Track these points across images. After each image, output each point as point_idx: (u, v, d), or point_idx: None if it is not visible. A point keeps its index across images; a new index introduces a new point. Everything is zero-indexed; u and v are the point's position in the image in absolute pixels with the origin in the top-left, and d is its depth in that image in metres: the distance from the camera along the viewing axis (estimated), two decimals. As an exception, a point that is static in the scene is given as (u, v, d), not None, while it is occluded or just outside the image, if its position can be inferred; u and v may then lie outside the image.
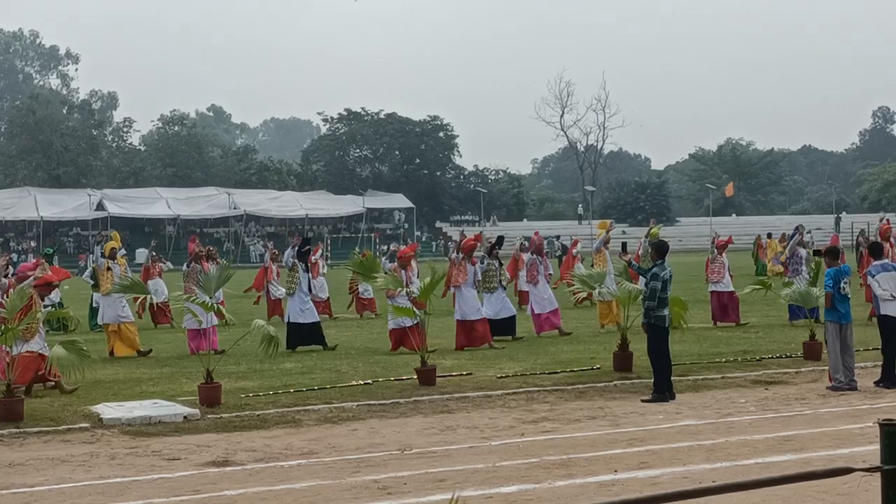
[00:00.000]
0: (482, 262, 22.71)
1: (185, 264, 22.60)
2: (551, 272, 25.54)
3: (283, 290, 30.05)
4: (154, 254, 31.20)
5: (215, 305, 17.13)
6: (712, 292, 25.41)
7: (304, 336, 22.04)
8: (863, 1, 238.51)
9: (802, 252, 25.49)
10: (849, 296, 15.92)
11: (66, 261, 62.38)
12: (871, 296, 16.61)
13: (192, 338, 20.77)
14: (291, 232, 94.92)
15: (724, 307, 25.07)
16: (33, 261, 26.59)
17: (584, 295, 22.30)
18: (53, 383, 16.32)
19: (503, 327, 22.54)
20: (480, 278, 22.22)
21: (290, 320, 22.27)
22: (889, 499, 4.40)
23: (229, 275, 17.94)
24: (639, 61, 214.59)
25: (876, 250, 16.95)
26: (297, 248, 22.79)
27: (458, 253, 22.50)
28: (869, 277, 16.14)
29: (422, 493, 9.68)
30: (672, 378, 15.25)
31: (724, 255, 26.09)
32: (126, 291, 19.20)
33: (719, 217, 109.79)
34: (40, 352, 15.96)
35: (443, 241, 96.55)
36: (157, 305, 27.66)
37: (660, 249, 15.93)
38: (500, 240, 23.84)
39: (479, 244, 23.30)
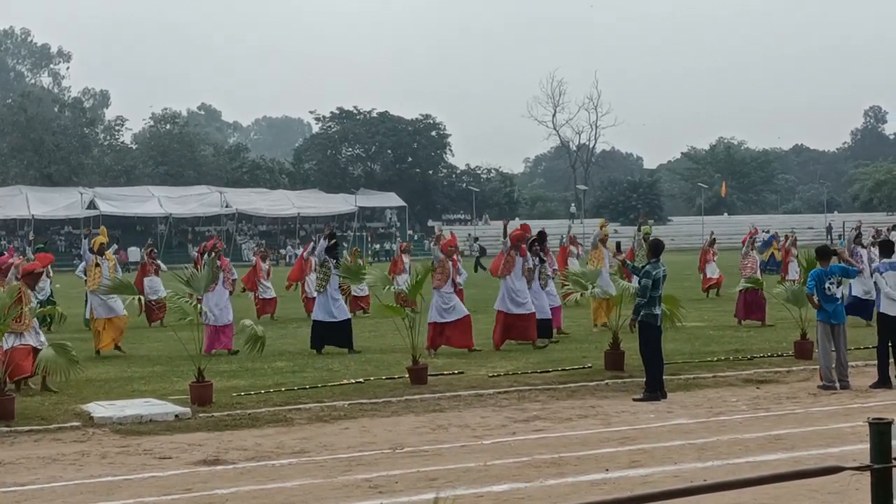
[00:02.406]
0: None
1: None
2: (555, 267, 25.19)
3: (272, 289, 30.14)
4: (153, 251, 31.05)
5: (198, 305, 16.91)
6: (741, 291, 24.75)
7: (330, 336, 21.07)
8: (856, 0, 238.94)
9: (861, 251, 24.65)
10: (836, 296, 15.88)
11: (57, 259, 62.26)
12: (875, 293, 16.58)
13: (208, 335, 20.52)
14: (290, 231, 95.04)
15: (750, 305, 24.68)
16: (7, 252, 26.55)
17: (578, 295, 22.06)
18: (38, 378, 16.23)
19: (539, 328, 21.57)
20: (531, 269, 21.24)
21: (316, 318, 21.29)
22: (878, 497, 4.41)
23: (216, 273, 17.85)
24: (631, 61, 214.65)
25: (886, 248, 16.95)
26: (326, 244, 21.75)
27: (504, 238, 21.77)
28: (877, 274, 16.11)
29: (413, 492, 9.67)
30: (664, 377, 15.27)
31: (753, 251, 25.64)
32: (114, 292, 19.08)
33: (711, 216, 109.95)
34: (34, 346, 15.89)
35: (435, 240, 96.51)
36: (152, 303, 27.62)
37: (654, 248, 15.94)
38: (543, 235, 22.99)
39: (527, 235, 21.98)
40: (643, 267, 15.70)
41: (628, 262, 18.17)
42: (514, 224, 25.99)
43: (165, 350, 21.52)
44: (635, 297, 15.84)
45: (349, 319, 21.51)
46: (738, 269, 27.45)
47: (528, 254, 21.47)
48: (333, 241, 21.93)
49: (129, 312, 22.39)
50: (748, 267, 25.26)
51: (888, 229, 41.64)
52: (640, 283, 15.67)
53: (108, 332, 21.49)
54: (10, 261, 17.77)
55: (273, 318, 29.31)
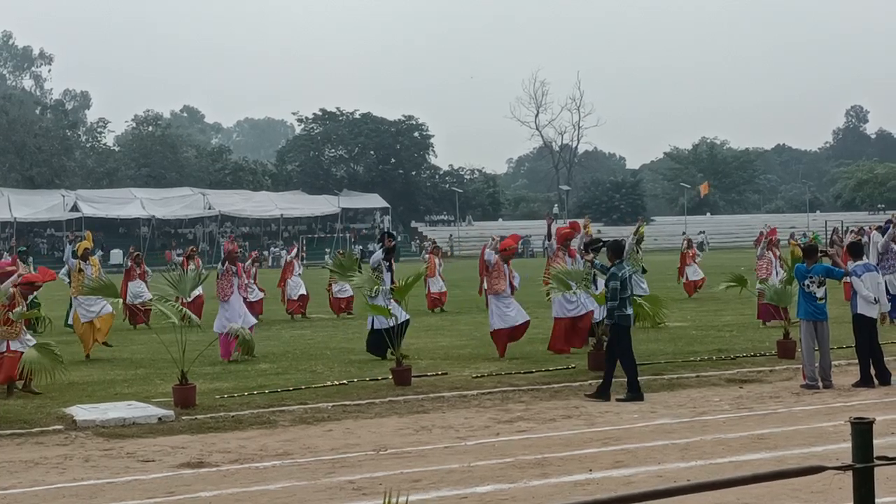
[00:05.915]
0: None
1: (219, 264, 21.57)
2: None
3: (259, 292, 30.01)
4: (138, 255, 30.93)
5: (183, 309, 16.72)
6: (761, 291, 23.49)
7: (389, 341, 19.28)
8: (838, 0, 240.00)
9: None
10: (815, 294, 15.80)
11: (39, 262, 62.04)
12: (851, 294, 16.56)
13: (224, 343, 20.18)
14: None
15: (768, 307, 23.96)
16: (9, 258, 26.47)
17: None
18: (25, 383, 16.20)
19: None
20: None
21: (375, 327, 19.54)
22: (861, 497, 4.42)
23: (205, 276, 17.82)
24: (614, 61, 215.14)
25: (855, 250, 16.90)
26: (383, 248, 20.88)
27: (549, 241, 20.94)
28: (854, 278, 16.06)
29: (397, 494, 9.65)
30: (645, 377, 15.27)
31: (771, 250, 25.16)
32: (95, 293, 19.00)
33: (694, 216, 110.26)
34: (21, 351, 15.86)
35: (418, 241, 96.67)
36: (136, 306, 27.50)
37: (615, 249, 15.89)
38: (596, 241, 21.88)
39: (576, 233, 20.86)
40: (609, 269, 15.61)
41: (597, 261, 17.66)
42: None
43: (148, 353, 21.45)
44: (606, 299, 15.73)
45: (408, 319, 19.67)
46: (755, 269, 26.49)
47: (578, 255, 20.27)
48: (393, 242, 21.17)
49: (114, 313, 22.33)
50: (763, 268, 24.87)
51: (870, 228, 41.63)
52: (607, 285, 15.59)
53: (90, 334, 21.40)
54: (12, 269, 17.73)
55: (258, 319, 29.19)
